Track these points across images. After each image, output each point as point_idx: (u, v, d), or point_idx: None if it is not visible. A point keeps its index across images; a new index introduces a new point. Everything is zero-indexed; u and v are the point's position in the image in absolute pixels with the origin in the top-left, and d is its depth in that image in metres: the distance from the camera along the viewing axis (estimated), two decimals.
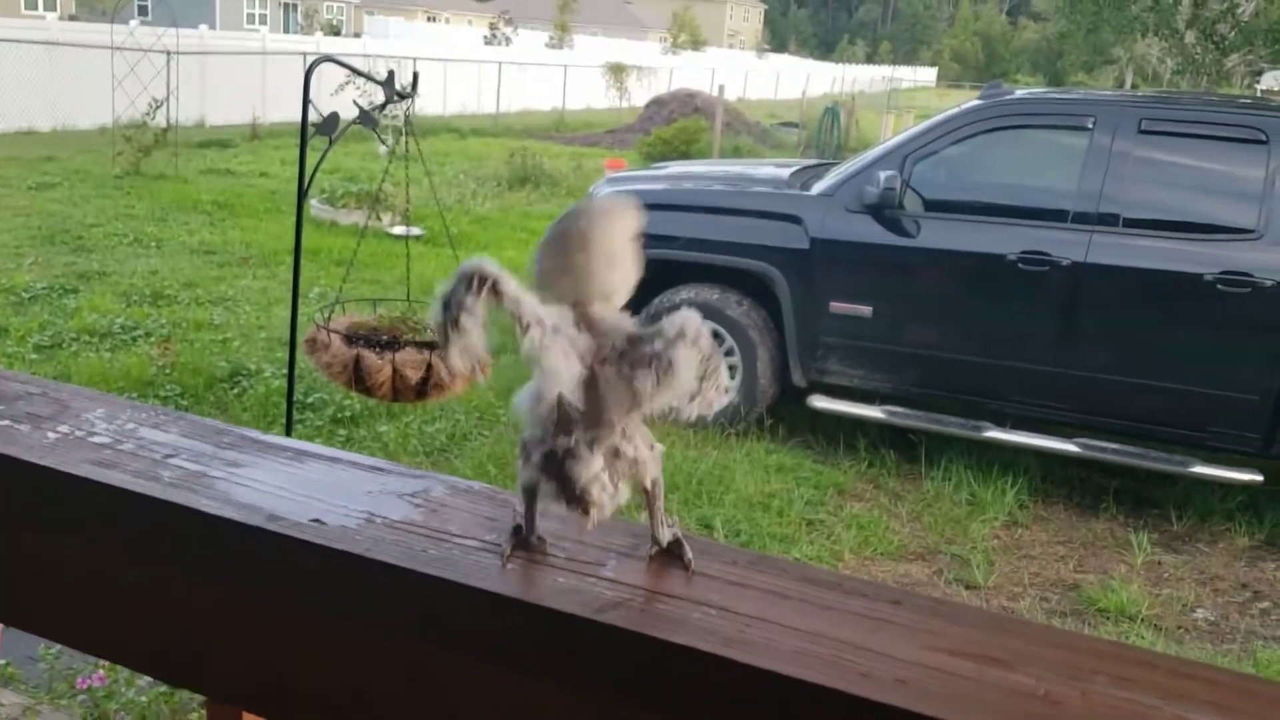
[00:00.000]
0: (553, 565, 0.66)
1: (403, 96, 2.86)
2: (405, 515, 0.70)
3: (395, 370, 3.00)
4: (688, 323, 0.67)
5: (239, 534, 0.69)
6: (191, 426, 0.85)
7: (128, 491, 0.73)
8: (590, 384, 0.66)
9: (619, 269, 0.73)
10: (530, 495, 0.68)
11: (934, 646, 0.61)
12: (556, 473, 0.65)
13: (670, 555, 0.68)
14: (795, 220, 5.65)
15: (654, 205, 6.12)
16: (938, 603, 0.66)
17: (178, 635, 0.73)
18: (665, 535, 0.69)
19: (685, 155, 16.44)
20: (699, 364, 0.67)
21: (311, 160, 3.13)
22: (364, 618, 0.67)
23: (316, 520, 0.69)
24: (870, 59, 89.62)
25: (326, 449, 0.81)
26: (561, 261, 0.72)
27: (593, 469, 0.64)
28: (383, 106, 2.98)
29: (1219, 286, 4.90)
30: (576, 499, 0.64)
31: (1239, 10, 16.36)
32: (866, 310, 5.49)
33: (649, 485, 0.69)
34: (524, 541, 0.68)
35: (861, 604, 0.65)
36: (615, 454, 0.66)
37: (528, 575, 0.65)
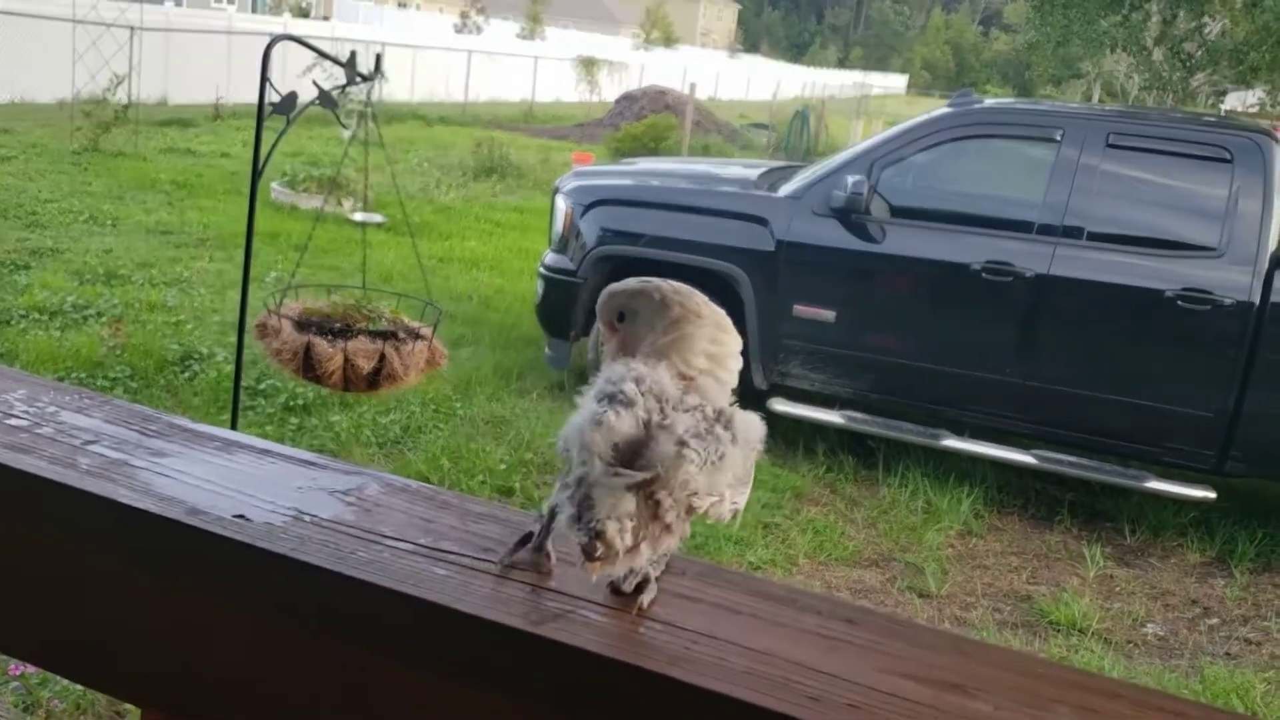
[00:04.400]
0: (491, 574, 0.62)
1: (365, 78, 2.80)
2: (336, 514, 0.66)
3: (347, 359, 2.95)
4: (755, 429, 0.64)
5: (157, 528, 0.64)
6: (116, 412, 0.80)
7: (41, 478, 0.68)
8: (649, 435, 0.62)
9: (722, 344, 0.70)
10: (550, 515, 0.63)
11: (889, 669, 0.58)
12: (580, 499, 0.59)
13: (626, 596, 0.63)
14: (761, 222, 5.63)
15: (620, 201, 6.09)
16: (895, 622, 0.63)
17: (86, 631, 0.69)
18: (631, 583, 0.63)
19: (654, 152, 16.41)
20: (742, 469, 0.63)
21: (270, 142, 3.06)
22: (288, 621, 0.63)
23: (240, 516, 0.65)
24: (842, 64, 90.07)
25: (258, 440, 0.77)
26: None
27: (621, 507, 0.58)
28: (344, 87, 2.92)
29: (1179, 303, 4.94)
30: (588, 531, 0.58)
31: (1206, 30, 16.57)
32: (829, 315, 5.49)
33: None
34: (526, 554, 0.64)
35: (815, 621, 0.62)
36: (655, 508, 0.59)
37: (465, 583, 0.61)
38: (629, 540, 0.58)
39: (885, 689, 0.56)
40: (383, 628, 0.60)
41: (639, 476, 0.59)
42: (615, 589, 0.62)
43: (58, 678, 2.94)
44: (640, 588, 0.62)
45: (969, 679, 0.58)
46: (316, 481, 0.71)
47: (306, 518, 0.65)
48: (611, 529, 0.58)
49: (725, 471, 0.61)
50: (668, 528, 0.60)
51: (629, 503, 0.58)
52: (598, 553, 0.58)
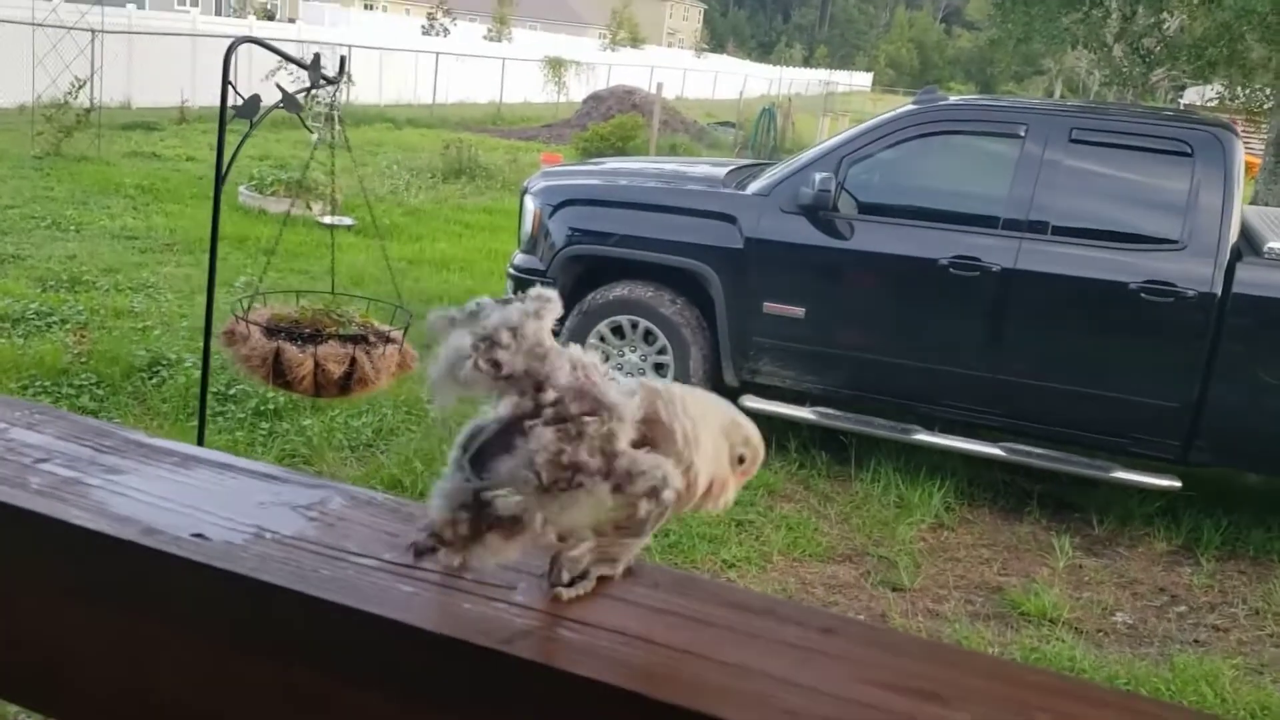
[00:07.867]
0: (460, 589, 0.61)
1: (329, 81, 2.77)
2: (298, 530, 0.64)
3: (317, 364, 2.91)
4: (647, 475, 0.58)
5: (111, 549, 0.62)
6: (70, 427, 0.77)
7: None
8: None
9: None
10: None
11: (868, 679, 0.57)
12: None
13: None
14: (730, 219, 5.63)
15: (589, 201, 6.07)
16: (874, 630, 0.62)
17: (37, 655, 0.66)
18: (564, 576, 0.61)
19: (622, 151, 16.39)
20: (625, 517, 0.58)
21: (235, 145, 3.02)
22: (247, 644, 0.61)
23: (198, 535, 0.63)
24: (807, 62, 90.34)
25: (219, 454, 0.74)
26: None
27: (457, 495, 0.58)
28: (308, 90, 2.88)
29: (1143, 296, 4.98)
30: (425, 525, 0.59)
31: (1165, 26, 16.74)
32: (799, 311, 5.49)
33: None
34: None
35: (794, 632, 0.60)
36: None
37: (430, 600, 0.59)
38: (464, 530, 0.58)
39: (864, 699, 0.55)
40: (347, 649, 0.58)
41: (469, 489, 0.58)
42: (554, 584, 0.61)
43: None
44: (575, 582, 0.61)
45: (948, 688, 0.57)
46: (278, 496, 0.69)
47: (267, 535, 0.63)
48: (441, 521, 0.58)
49: (583, 510, 0.57)
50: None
51: (466, 495, 0.58)
52: (422, 545, 0.59)
